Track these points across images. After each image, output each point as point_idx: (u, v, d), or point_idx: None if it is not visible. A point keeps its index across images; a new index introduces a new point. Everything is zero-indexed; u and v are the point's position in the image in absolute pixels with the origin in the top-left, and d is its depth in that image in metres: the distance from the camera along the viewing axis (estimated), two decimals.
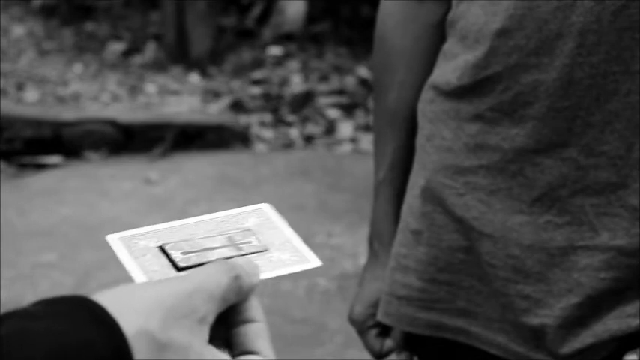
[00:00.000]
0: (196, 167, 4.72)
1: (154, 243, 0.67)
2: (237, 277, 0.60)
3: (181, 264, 0.65)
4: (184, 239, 0.67)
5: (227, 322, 0.61)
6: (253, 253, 0.67)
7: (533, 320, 1.20)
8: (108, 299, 0.54)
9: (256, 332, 0.61)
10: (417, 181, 1.27)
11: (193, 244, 0.67)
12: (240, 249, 0.67)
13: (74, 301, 0.53)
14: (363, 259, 3.47)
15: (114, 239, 0.68)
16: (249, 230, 0.70)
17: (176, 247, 0.67)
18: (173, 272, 0.65)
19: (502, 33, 1.16)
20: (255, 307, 0.62)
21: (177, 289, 0.57)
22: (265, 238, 0.69)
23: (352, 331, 1.43)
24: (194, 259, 0.65)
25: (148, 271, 0.65)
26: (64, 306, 0.53)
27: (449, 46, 1.25)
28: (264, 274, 0.66)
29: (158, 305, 0.55)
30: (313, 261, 0.69)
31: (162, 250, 0.66)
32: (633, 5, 1.12)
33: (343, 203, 4.24)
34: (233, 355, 0.60)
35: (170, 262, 0.65)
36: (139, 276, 0.64)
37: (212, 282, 0.58)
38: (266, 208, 0.72)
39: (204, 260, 0.65)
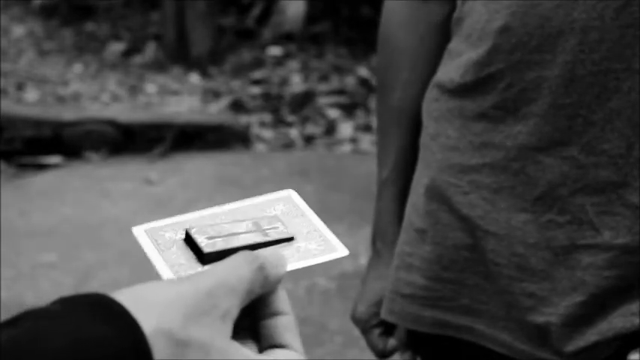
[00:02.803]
0: (196, 167, 4.72)
1: (180, 235, 0.66)
2: (261, 268, 0.59)
3: (206, 249, 0.64)
4: (210, 224, 0.66)
5: (255, 315, 0.60)
6: (280, 240, 0.66)
7: (538, 318, 1.20)
8: (127, 297, 0.53)
9: (285, 325, 0.60)
10: (421, 179, 1.27)
11: (219, 229, 0.66)
12: (266, 235, 0.66)
13: (93, 299, 0.53)
14: (363, 259, 3.47)
15: (139, 232, 0.66)
16: (275, 217, 0.68)
17: (201, 232, 0.65)
18: (198, 265, 0.63)
19: (504, 30, 1.16)
20: (283, 300, 0.61)
21: (198, 286, 0.56)
22: (292, 226, 0.68)
23: (352, 331, 1.43)
24: (220, 244, 0.64)
25: (173, 265, 0.63)
26: (83, 304, 0.52)
27: (454, 44, 1.25)
28: (292, 265, 0.64)
29: (177, 303, 0.54)
30: (341, 250, 0.68)
31: (188, 238, 0.65)
32: (635, 3, 1.12)
33: (343, 203, 4.24)
34: (261, 349, 0.59)
35: (195, 253, 0.64)
36: (164, 270, 0.63)
37: (234, 276, 0.57)
38: (293, 195, 0.71)
39: (229, 246, 0.64)
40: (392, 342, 1.38)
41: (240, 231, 0.66)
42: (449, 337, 1.27)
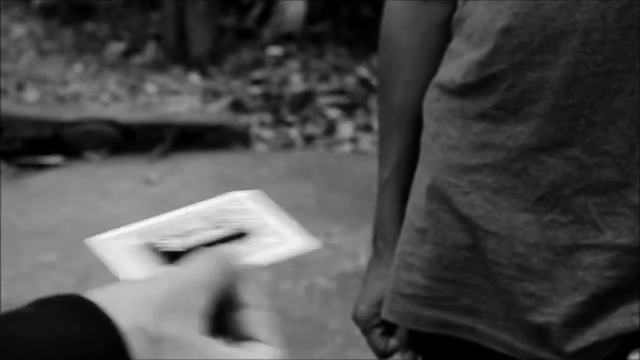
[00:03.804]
0: (196, 167, 4.72)
1: (138, 240, 0.67)
2: (225, 263, 0.60)
3: (164, 249, 0.65)
4: (166, 227, 0.68)
5: (226, 310, 0.61)
6: (240, 234, 0.67)
7: (539, 318, 1.20)
8: (102, 297, 0.54)
9: (254, 318, 0.60)
10: (422, 179, 1.27)
11: (176, 229, 0.67)
12: (226, 229, 0.67)
13: (67, 299, 0.54)
14: (363, 259, 3.47)
15: (95, 242, 0.68)
16: (238, 212, 0.69)
17: (161, 234, 0.67)
18: (162, 266, 0.65)
19: (507, 31, 1.16)
20: (252, 293, 0.61)
21: (166, 284, 0.57)
22: (256, 222, 0.69)
23: (352, 332, 1.43)
24: (181, 242, 0.66)
25: (138, 268, 0.65)
26: (57, 304, 0.53)
27: (455, 44, 1.25)
28: (252, 258, 0.65)
29: (149, 301, 0.55)
30: (310, 243, 0.68)
31: (145, 245, 0.67)
32: (638, 4, 1.12)
33: (343, 203, 4.24)
34: (233, 342, 0.60)
35: (155, 255, 0.66)
36: (131, 274, 0.64)
37: (200, 272, 0.58)
38: (256, 195, 0.72)
39: (190, 243, 0.66)
40: (393, 342, 1.38)
41: (196, 228, 0.68)
42: (449, 337, 1.27)
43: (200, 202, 0.71)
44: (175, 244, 0.66)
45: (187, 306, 0.56)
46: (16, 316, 0.52)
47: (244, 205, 0.70)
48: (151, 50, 6.24)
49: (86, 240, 0.67)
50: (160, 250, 0.66)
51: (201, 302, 0.57)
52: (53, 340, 0.51)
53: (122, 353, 0.52)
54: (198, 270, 0.59)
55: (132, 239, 0.67)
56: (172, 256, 0.65)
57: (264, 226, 0.69)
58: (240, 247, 0.66)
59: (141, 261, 0.65)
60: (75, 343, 0.51)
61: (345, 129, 5.33)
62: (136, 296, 0.55)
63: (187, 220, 0.69)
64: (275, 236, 0.68)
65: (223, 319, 0.60)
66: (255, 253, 0.66)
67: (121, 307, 0.54)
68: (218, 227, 0.68)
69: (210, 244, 0.66)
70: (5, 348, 0.50)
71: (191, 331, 0.56)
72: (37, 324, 0.51)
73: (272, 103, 5.60)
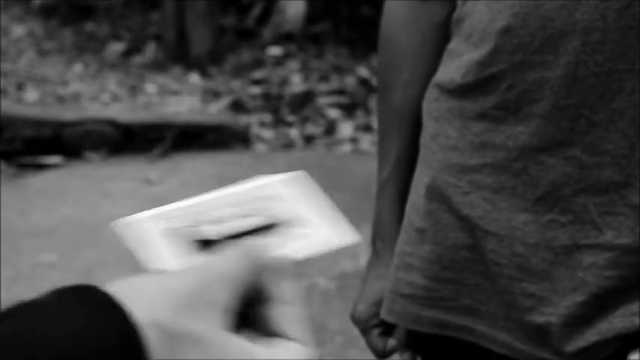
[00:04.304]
0: (196, 167, 4.72)
1: (165, 225, 0.64)
2: (255, 257, 0.57)
3: (195, 237, 0.62)
4: (198, 212, 0.64)
5: (256, 305, 0.58)
6: (279, 223, 0.64)
7: (538, 318, 1.20)
8: (119, 289, 0.52)
9: (285, 314, 0.58)
10: (421, 179, 1.27)
11: (207, 215, 0.64)
12: (266, 218, 0.64)
13: (87, 290, 0.52)
14: (363, 259, 3.47)
15: (123, 224, 0.64)
16: (277, 198, 0.66)
17: (197, 219, 0.63)
18: (196, 253, 0.62)
19: (507, 31, 1.16)
20: (285, 289, 0.58)
21: (190, 278, 0.54)
22: (296, 209, 0.65)
23: (352, 332, 1.43)
24: (208, 230, 0.63)
25: (161, 257, 0.62)
26: (77, 295, 0.51)
27: (454, 44, 1.25)
28: (284, 251, 0.62)
29: (169, 295, 0.53)
30: (351, 236, 0.64)
31: (174, 230, 0.63)
32: (637, 4, 1.12)
33: (343, 203, 4.22)
34: (262, 338, 0.57)
35: (184, 242, 0.63)
36: (151, 262, 0.61)
37: (227, 266, 0.56)
38: (302, 176, 0.67)
39: (218, 231, 0.62)
40: (392, 342, 1.38)
41: (230, 216, 0.64)
42: (449, 337, 1.27)
43: (233, 185, 0.67)
44: (207, 232, 0.62)
45: (209, 301, 0.54)
46: (32, 306, 0.51)
47: (280, 191, 0.67)
48: (151, 50, 6.24)
49: (113, 222, 0.64)
50: (190, 237, 0.62)
51: (224, 297, 0.55)
52: (70, 333, 0.49)
53: (135, 348, 0.50)
54: (224, 264, 0.56)
55: (161, 223, 0.64)
56: (202, 245, 0.62)
57: (299, 215, 0.65)
58: (272, 238, 0.63)
59: (170, 248, 0.62)
60: (84, 336, 0.49)
61: (345, 129, 5.34)
62: (155, 289, 0.53)
63: (219, 206, 0.65)
64: (311, 227, 0.64)
65: (252, 314, 0.58)
66: (288, 245, 0.63)
67: (139, 300, 0.52)
68: (251, 215, 0.64)
69: (241, 234, 0.63)
70: (29, 339, 0.49)
71: (213, 327, 0.53)
72: (53, 316, 0.50)
73: (272, 103, 5.60)
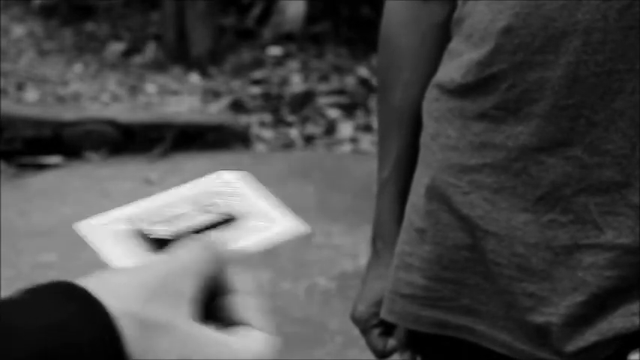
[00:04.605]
0: (196, 167, 4.72)
1: (124, 226, 0.67)
2: (213, 249, 0.60)
3: (153, 235, 0.65)
4: (154, 212, 0.68)
5: (215, 296, 0.61)
6: (228, 218, 0.67)
7: (538, 318, 1.20)
8: (92, 283, 0.54)
9: (243, 303, 0.60)
10: (421, 179, 1.27)
11: (164, 214, 0.67)
12: (213, 213, 0.67)
13: (59, 286, 0.54)
14: (363, 259, 3.47)
15: (84, 226, 0.67)
16: (223, 194, 0.69)
17: (149, 220, 0.67)
18: (151, 252, 0.64)
19: (508, 31, 1.16)
20: (241, 280, 0.61)
21: (156, 271, 0.57)
22: (242, 205, 0.68)
23: (352, 332, 1.43)
24: (165, 229, 0.66)
25: (127, 255, 0.64)
26: (50, 291, 0.53)
27: (454, 44, 1.25)
28: (241, 243, 0.65)
29: (139, 287, 0.55)
30: (299, 228, 0.67)
31: (133, 230, 0.66)
32: (639, 4, 1.12)
33: (343, 203, 4.23)
34: (223, 327, 0.60)
35: (143, 241, 0.65)
36: (119, 260, 0.64)
37: (189, 258, 0.59)
38: (242, 176, 0.71)
39: (178, 229, 0.65)
40: (391, 342, 1.38)
41: (183, 212, 0.67)
42: (449, 337, 1.27)
43: (188, 183, 0.70)
44: (164, 231, 0.66)
45: (176, 292, 0.56)
46: (8, 303, 0.53)
47: (232, 187, 0.70)
48: (151, 50, 6.24)
49: (75, 224, 0.67)
50: (148, 237, 0.65)
51: (190, 288, 0.57)
52: (47, 326, 0.51)
53: (115, 338, 0.52)
54: (186, 257, 0.59)
55: (120, 224, 0.67)
56: (160, 244, 0.65)
57: (252, 210, 0.68)
58: (228, 232, 0.66)
59: (129, 248, 0.65)
60: (69, 328, 0.51)
61: (345, 129, 5.34)
62: (125, 282, 0.55)
63: (175, 204, 0.68)
64: (264, 220, 0.67)
65: (214, 305, 0.60)
66: (244, 238, 0.65)
67: (112, 292, 0.54)
68: (206, 212, 0.67)
69: (198, 230, 0.66)
70: (3, 336, 0.50)
71: (181, 316, 0.56)
72: (29, 311, 0.52)
73: (272, 103, 5.60)
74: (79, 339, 0.51)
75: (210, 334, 0.57)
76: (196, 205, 0.68)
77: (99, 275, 0.56)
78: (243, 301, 0.60)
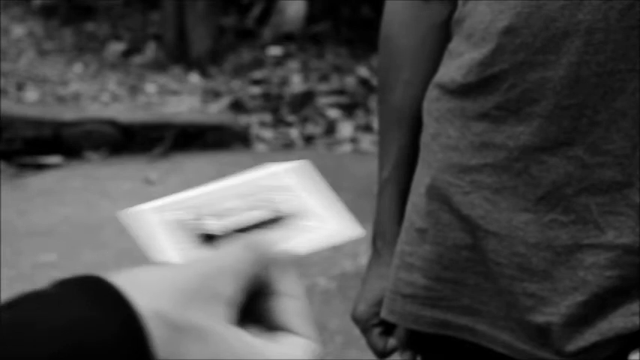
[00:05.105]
0: (196, 167, 4.72)
1: (173, 216, 0.64)
2: (260, 251, 0.57)
3: (201, 230, 0.62)
4: (204, 203, 0.64)
5: (260, 299, 0.58)
6: (285, 216, 0.63)
7: (539, 318, 1.20)
8: (123, 280, 0.52)
9: (289, 308, 0.57)
10: (422, 179, 1.27)
11: (213, 208, 0.64)
12: (271, 211, 0.63)
13: (89, 281, 0.52)
14: (363, 259, 3.47)
15: (132, 213, 0.64)
16: (282, 189, 0.65)
17: (204, 212, 0.63)
18: (201, 246, 0.62)
19: (509, 31, 1.16)
20: (289, 282, 0.58)
21: (195, 270, 0.54)
22: (300, 202, 0.64)
23: (352, 331, 1.43)
24: (213, 223, 0.62)
25: (166, 249, 0.62)
26: (80, 286, 0.51)
27: (454, 44, 1.25)
28: (289, 245, 0.61)
29: (173, 287, 0.53)
30: (354, 230, 0.63)
31: (181, 222, 0.63)
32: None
33: (343, 203, 4.23)
34: (266, 332, 0.57)
35: (190, 235, 0.63)
36: (166, 251, 0.61)
37: (233, 259, 0.56)
38: (304, 166, 0.67)
39: (223, 225, 0.62)
40: (392, 342, 1.38)
41: (236, 208, 0.64)
42: (449, 337, 1.27)
43: (239, 175, 0.66)
44: (212, 226, 0.62)
45: (214, 294, 0.53)
46: (32, 297, 0.51)
47: (285, 182, 0.66)
48: (151, 50, 6.24)
49: (122, 211, 0.63)
50: (194, 230, 0.62)
51: (229, 290, 0.54)
52: (65, 322, 0.49)
53: (138, 339, 0.50)
54: (229, 257, 0.56)
55: (167, 214, 0.64)
56: (208, 238, 0.62)
57: (304, 208, 0.64)
58: (277, 231, 0.62)
59: (173, 240, 0.62)
60: (86, 325, 0.49)
61: (345, 129, 5.34)
62: (159, 281, 0.53)
63: (226, 197, 0.64)
64: (316, 219, 0.63)
65: (256, 308, 0.57)
66: (293, 239, 0.62)
67: (142, 290, 0.51)
68: (257, 207, 0.64)
69: (246, 227, 0.62)
70: (30, 329, 0.49)
71: (216, 320, 0.53)
72: (51, 306, 0.50)
73: (272, 103, 5.60)
74: (103, 337, 0.49)
75: (245, 339, 0.54)
76: (247, 199, 0.64)
77: (130, 271, 0.53)
78: (287, 304, 0.57)
